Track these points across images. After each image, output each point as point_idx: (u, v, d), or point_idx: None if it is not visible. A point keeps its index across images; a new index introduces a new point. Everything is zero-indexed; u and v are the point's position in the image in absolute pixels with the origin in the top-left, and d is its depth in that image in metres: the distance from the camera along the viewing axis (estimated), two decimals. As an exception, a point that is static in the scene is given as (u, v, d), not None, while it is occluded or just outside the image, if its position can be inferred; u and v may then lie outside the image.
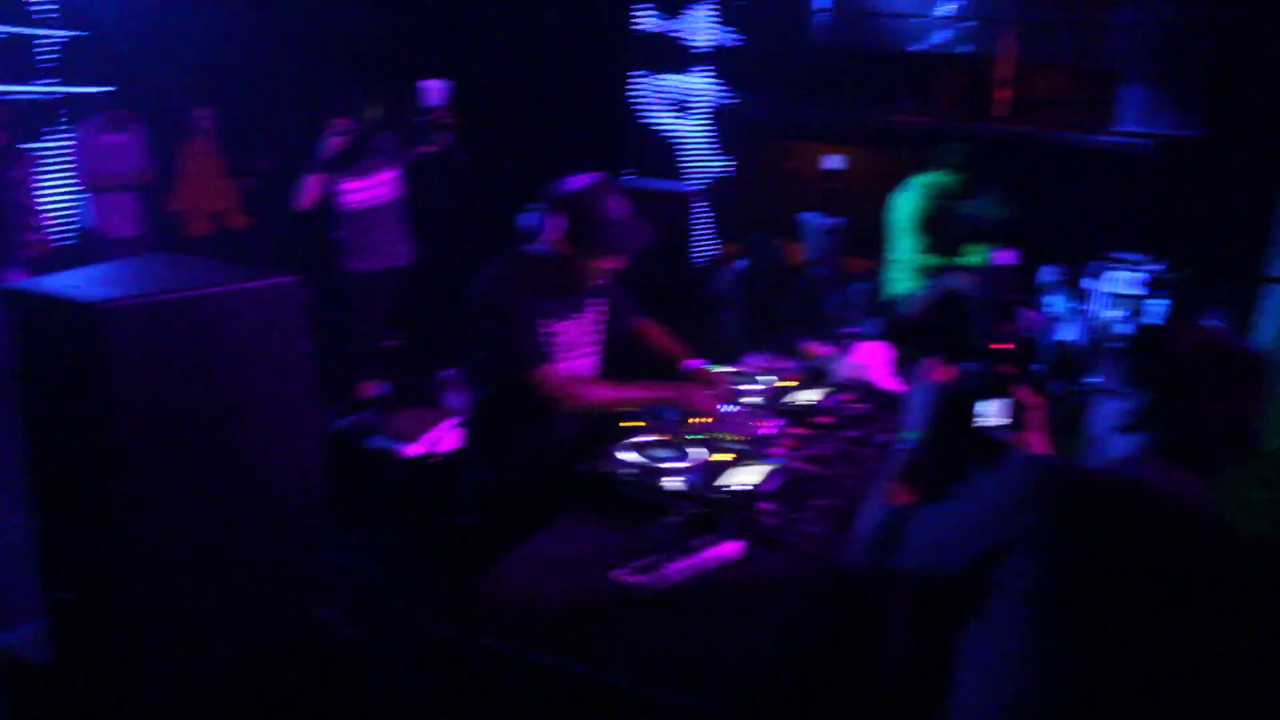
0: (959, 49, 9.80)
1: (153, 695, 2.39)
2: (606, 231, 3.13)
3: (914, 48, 9.96)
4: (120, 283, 2.33)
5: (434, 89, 5.68)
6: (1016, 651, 1.68)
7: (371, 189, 6.08)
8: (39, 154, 7.66)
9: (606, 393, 3.25)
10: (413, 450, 5.10)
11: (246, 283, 2.37)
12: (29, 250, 6.96)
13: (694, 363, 3.55)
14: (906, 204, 6.14)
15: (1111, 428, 1.82)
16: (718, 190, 8.84)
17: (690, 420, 3.29)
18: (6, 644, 2.64)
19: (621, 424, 3.21)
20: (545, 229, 3.15)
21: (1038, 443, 2.18)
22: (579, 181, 3.17)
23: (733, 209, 8.96)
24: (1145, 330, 1.85)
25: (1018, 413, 2.19)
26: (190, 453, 2.36)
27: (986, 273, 5.68)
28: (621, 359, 3.57)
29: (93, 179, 7.40)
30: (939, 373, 2.29)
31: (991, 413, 2.18)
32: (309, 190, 5.84)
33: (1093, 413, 1.86)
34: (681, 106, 9.54)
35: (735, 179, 8.37)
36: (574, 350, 3.39)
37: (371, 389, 6.41)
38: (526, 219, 3.20)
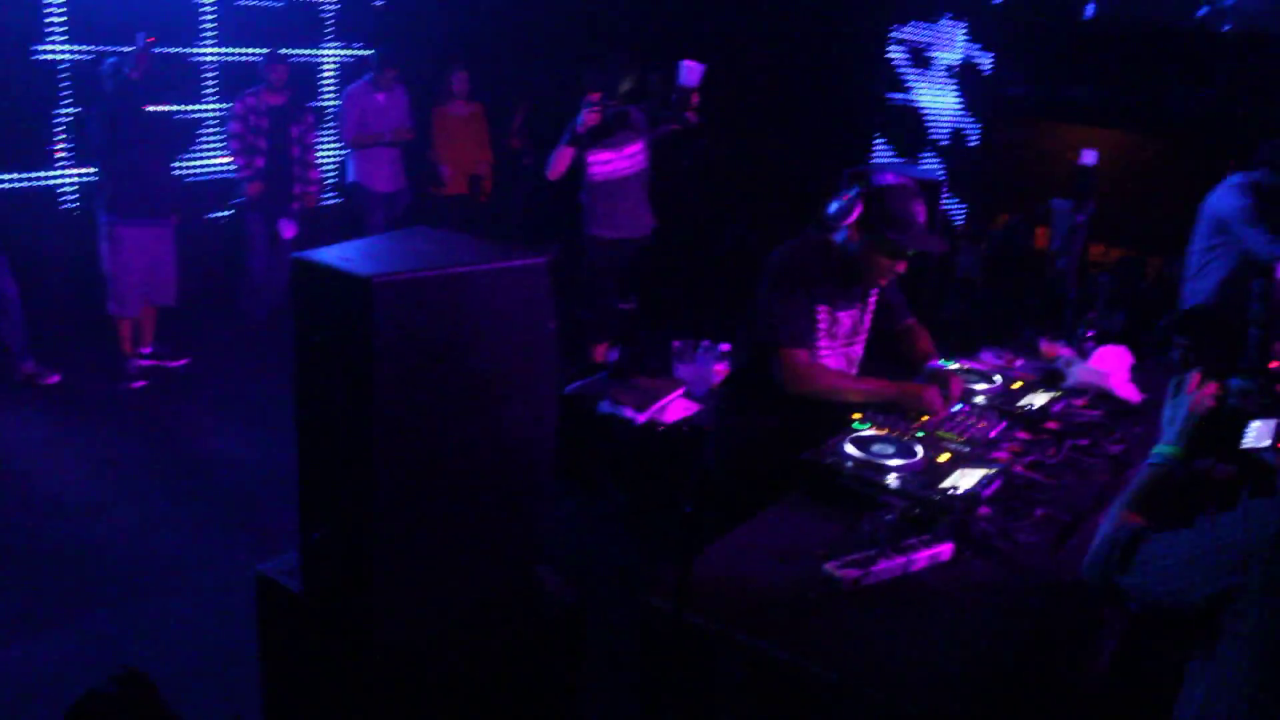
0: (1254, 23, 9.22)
1: (389, 630, 2.64)
2: (902, 233, 3.29)
3: (1198, 20, 9.38)
4: (389, 257, 2.58)
5: (690, 69, 5.85)
6: (1236, 694, 1.68)
7: (619, 160, 6.32)
8: (316, 112, 8.26)
9: (842, 383, 3.40)
10: (641, 418, 5.30)
11: (502, 262, 2.57)
12: (300, 202, 7.55)
13: (937, 364, 3.63)
14: (1224, 202, 5.63)
15: None
16: (966, 168, 8.68)
17: (918, 419, 3.35)
18: (266, 570, 2.95)
19: (852, 417, 3.30)
20: (846, 214, 3.30)
21: None
22: (887, 177, 3.34)
23: (981, 189, 8.79)
24: None
25: None
26: (440, 417, 2.58)
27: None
28: (883, 357, 3.71)
29: (359, 136, 7.93)
30: (1201, 387, 2.23)
31: (1262, 435, 2.10)
32: (561, 161, 6.12)
33: None
34: (932, 67, 9.36)
35: (985, 157, 8.21)
36: (843, 339, 3.55)
37: (605, 353, 6.69)
38: (831, 203, 3.35)
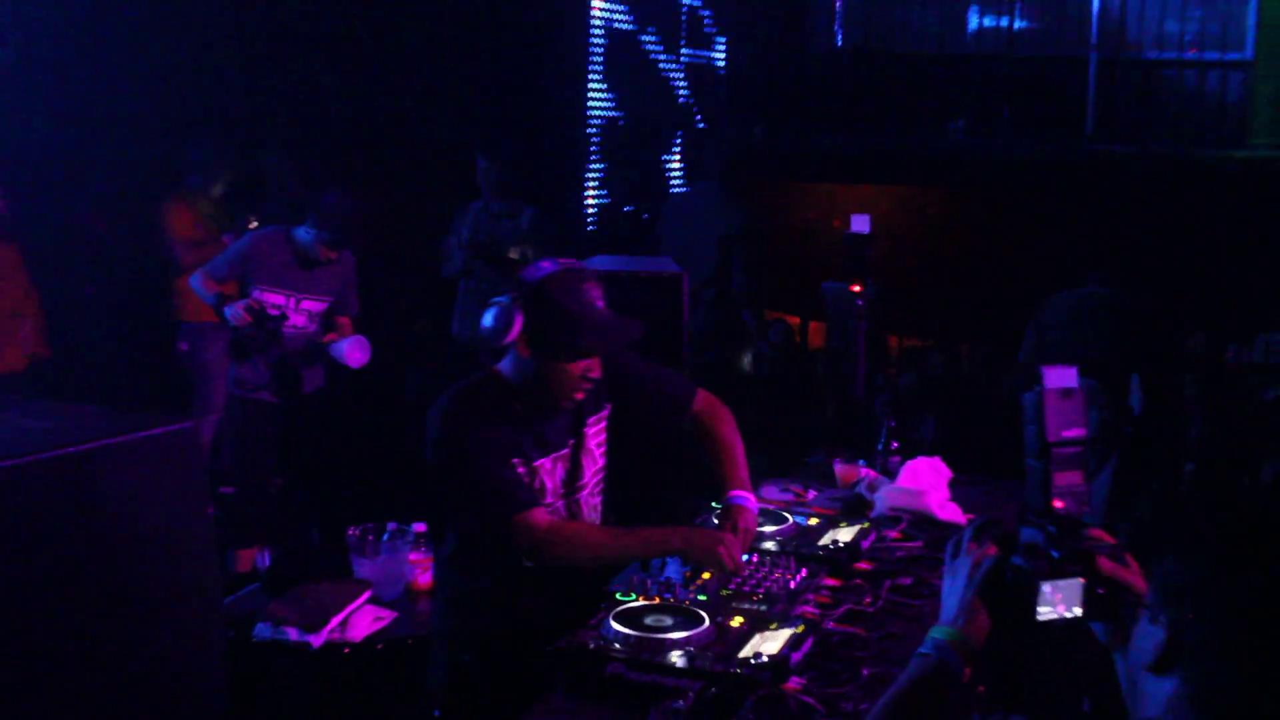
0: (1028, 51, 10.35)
1: None
2: (580, 328, 3.59)
3: (957, 49, 10.46)
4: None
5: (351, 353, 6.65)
6: None
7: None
8: None
9: (603, 541, 3.70)
10: (316, 640, 5.36)
11: (135, 432, 2.71)
12: None
13: (741, 495, 3.88)
14: None
15: None
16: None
17: (699, 576, 3.65)
18: None
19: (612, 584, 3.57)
20: (505, 330, 3.57)
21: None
22: (543, 267, 3.61)
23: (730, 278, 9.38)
24: None
25: (1098, 602, 2.12)
26: (56, 654, 2.64)
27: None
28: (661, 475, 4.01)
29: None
30: (982, 545, 2.23)
31: (1062, 600, 2.11)
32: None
33: None
34: (651, 138, 10.01)
35: (731, 237, 8.83)
36: (556, 495, 3.80)
37: (255, 558, 6.77)
38: (487, 319, 3.62)
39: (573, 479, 3.87)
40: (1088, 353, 6.97)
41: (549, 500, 3.78)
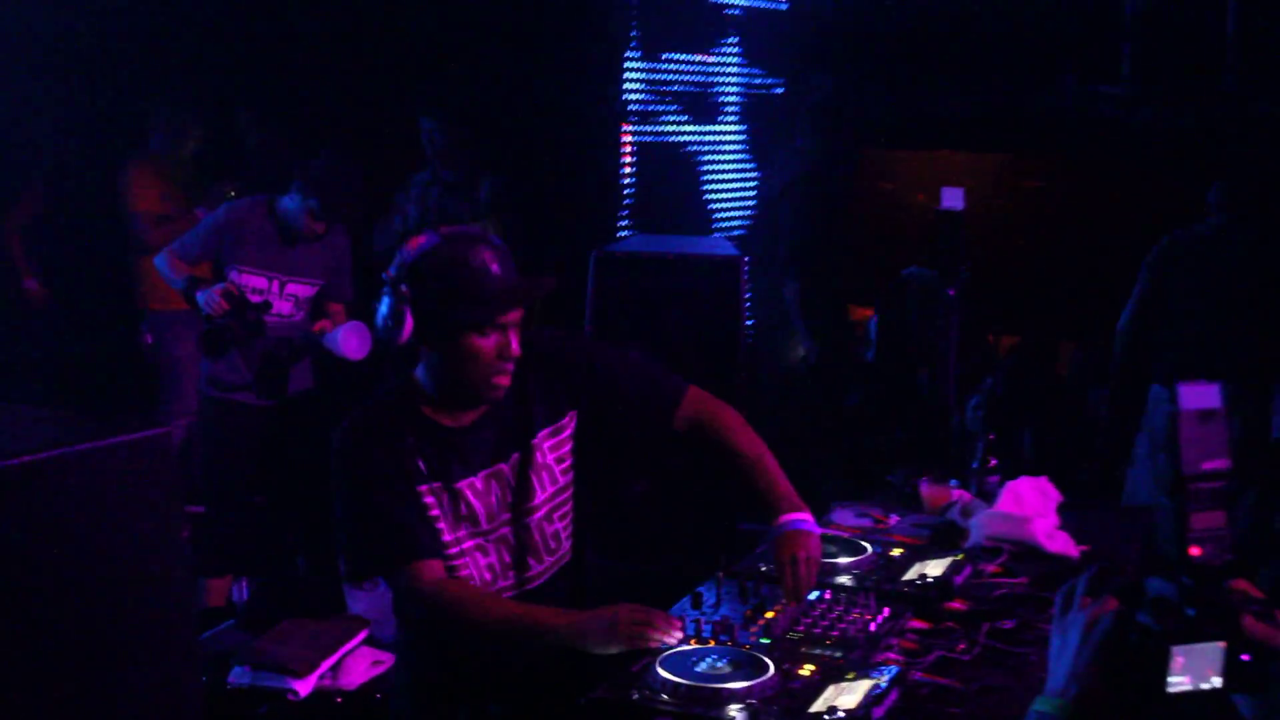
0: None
1: None
2: (481, 292, 3.58)
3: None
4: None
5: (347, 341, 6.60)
6: None
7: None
8: None
9: (479, 616, 3.61)
10: (304, 687, 5.37)
11: (88, 440, 2.71)
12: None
13: (794, 520, 3.78)
14: None
15: None
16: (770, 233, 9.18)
17: (762, 613, 3.64)
18: None
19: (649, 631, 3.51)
20: (399, 324, 3.60)
21: None
22: (419, 241, 3.64)
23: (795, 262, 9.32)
24: None
25: (1242, 670, 2.04)
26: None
27: None
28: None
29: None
30: (1100, 601, 2.16)
31: (1197, 668, 2.03)
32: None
33: None
34: (703, 104, 9.97)
35: (793, 216, 8.74)
36: (507, 516, 3.80)
37: (232, 590, 6.78)
38: (378, 318, 3.66)
39: (519, 500, 3.81)
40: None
41: (484, 526, 3.75)
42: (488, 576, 3.76)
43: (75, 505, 2.70)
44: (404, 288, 3.57)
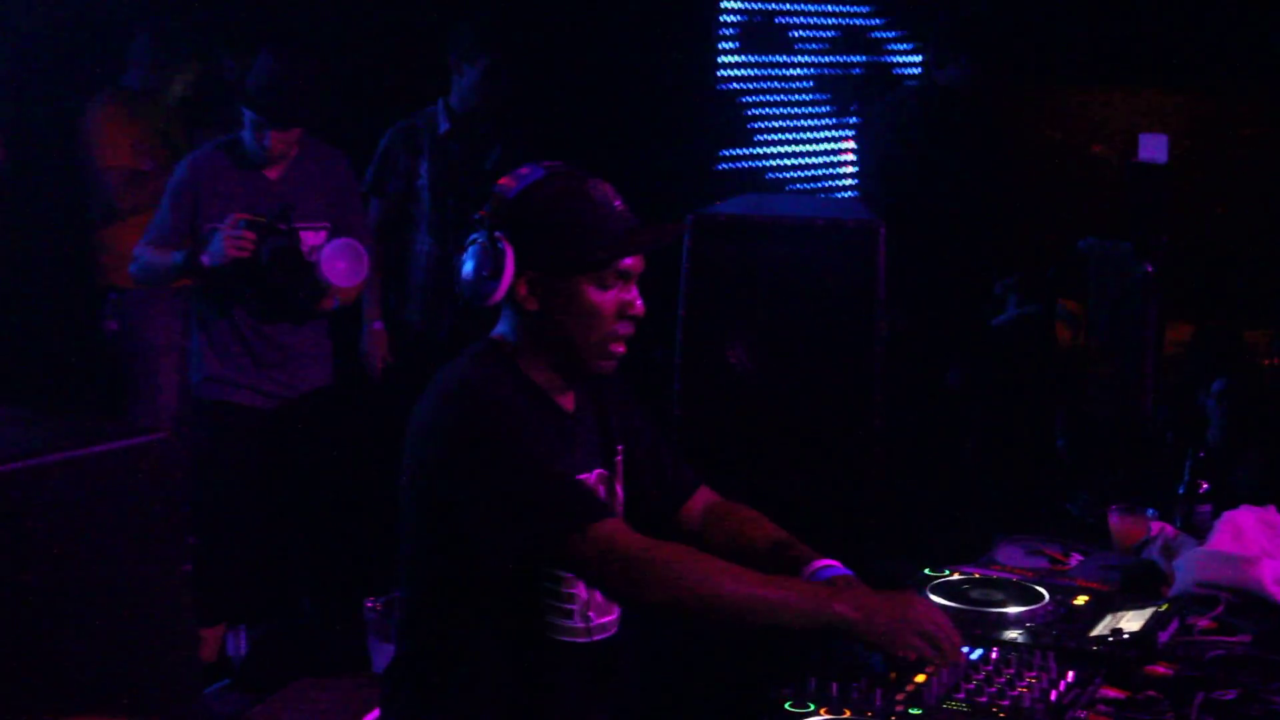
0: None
1: None
2: (586, 230, 3.62)
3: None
4: None
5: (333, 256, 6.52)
6: None
7: None
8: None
9: (717, 580, 3.52)
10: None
11: (80, 447, 2.76)
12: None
13: (828, 564, 3.83)
14: None
15: None
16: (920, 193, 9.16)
17: (911, 676, 3.60)
18: None
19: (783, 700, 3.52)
20: (498, 273, 3.60)
21: None
22: (518, 179, 3.67)
23: (949, 229, 9.29)
24: None
25: None
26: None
27: None
28: None
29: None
30: None
31: None
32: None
33: None
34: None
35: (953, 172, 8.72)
36: None
37: (227, 639, 6.82)
38: (468, 265, 3.67)
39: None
40: None
41: None
42: (584, 595, 3.78)
43: (48, 524, 2.75)
44: (500, 233, 3.58)
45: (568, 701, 3.73)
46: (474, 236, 3.64)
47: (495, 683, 3.68)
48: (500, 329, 3.77)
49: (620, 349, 3.72)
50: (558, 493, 3.55)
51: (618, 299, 3.65)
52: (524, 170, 3.67)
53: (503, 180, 3.68)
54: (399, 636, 3.91)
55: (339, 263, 6.61)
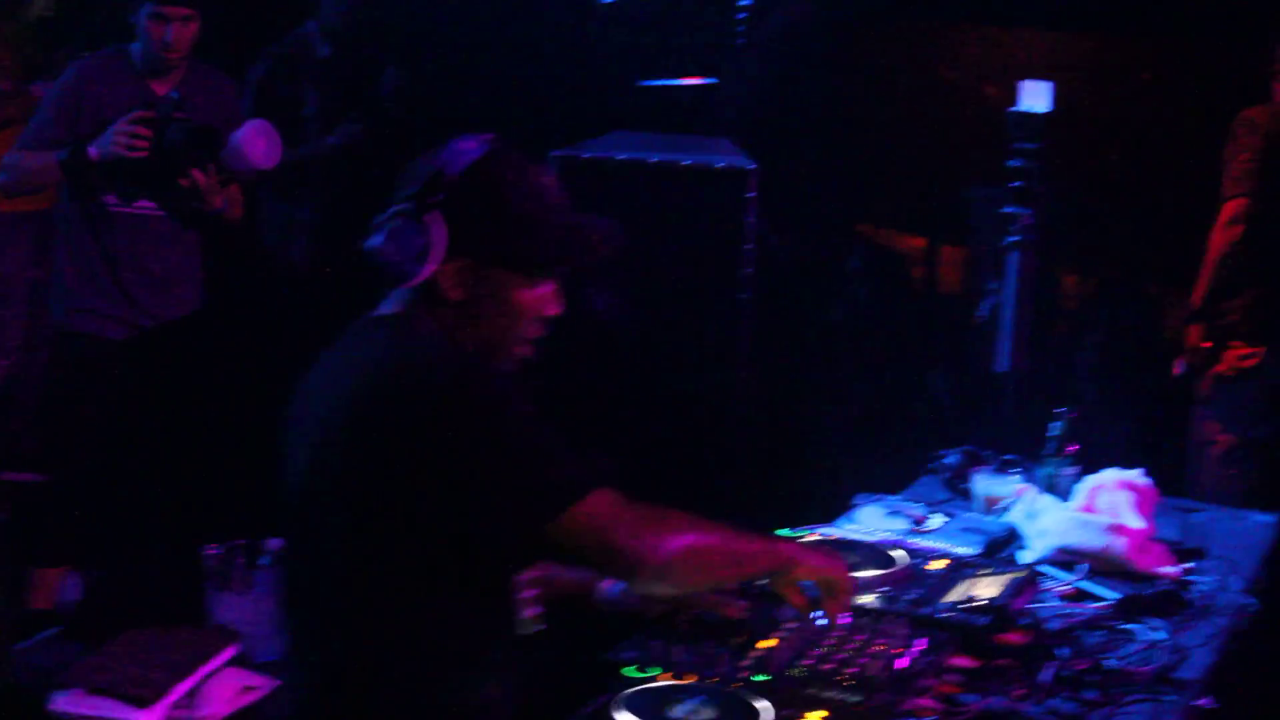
0: None
1: None
2: (538, 226, 3.53)
3: None
4: None
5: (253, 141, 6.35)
6: None
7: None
8: None
9: (715, 540, 3.46)
10: (152, 718, 5.35)
11: None
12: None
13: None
14: None
15: None
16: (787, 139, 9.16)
17: (754, 644, 3.60)
18: None
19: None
20: (426, 248, 3.47)
21: None
22: (460, 153, 3.53)
23: (822, 176, 9.28)
24: None
25: None
26: None
27: None
28: None
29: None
30: None
31: None
32: None
33: None
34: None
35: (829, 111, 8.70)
36: None
37: (60, 584, 6.73)
38: (388, 238, 3.51)
39: None
40: None
41: None
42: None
43: None
44: (433, 214, 3.45)
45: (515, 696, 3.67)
46: (398, 209, 3.51)
47: (461, 682, 3.53)
48: (392, 307, 3.59)
49: (527, 351, 3.64)
50: (563, 465, 3.42)
51: (541, 297, 3.56)
52: (462, 145, 3.53)
53: (438, 154, 3.53)
54: (321, 635, 3.73)
55: (260, 141, 6.52)
